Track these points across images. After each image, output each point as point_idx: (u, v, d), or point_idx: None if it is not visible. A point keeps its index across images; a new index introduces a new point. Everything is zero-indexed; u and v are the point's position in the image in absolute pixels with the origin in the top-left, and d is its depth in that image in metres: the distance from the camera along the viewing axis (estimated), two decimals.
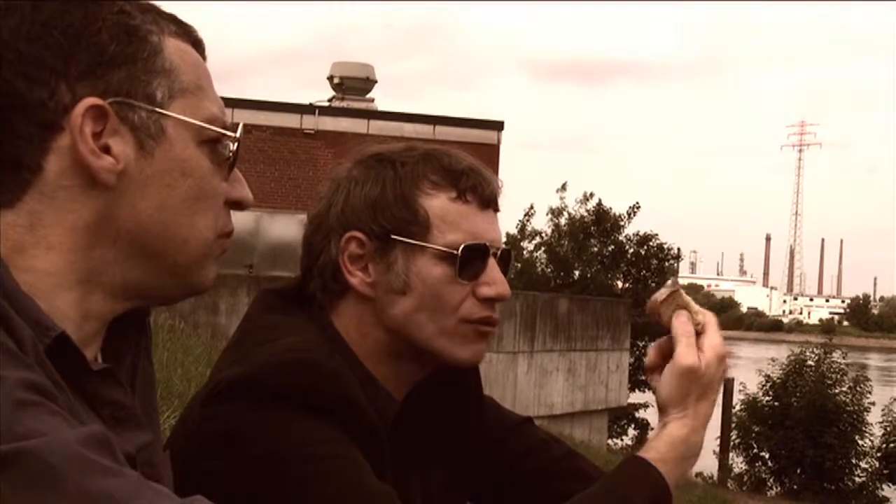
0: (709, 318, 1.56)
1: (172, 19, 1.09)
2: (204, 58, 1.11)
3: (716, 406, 1.56)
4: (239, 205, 1.12)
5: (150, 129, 1.02)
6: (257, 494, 1.32)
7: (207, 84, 1.09)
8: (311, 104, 25.66)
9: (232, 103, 24.22)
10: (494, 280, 1.50)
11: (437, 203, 1.49)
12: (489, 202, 1.52)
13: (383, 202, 1.49)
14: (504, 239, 1.58)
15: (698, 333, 1.54)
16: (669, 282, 1.58)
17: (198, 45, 1.11)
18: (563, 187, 28.67)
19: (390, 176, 1.50)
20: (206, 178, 1.06)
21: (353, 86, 27.04)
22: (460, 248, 1.48)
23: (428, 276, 1.48)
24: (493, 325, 1.53)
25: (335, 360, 1.42)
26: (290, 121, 24.10)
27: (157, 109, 1.02)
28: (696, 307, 1.56)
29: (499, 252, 1.52)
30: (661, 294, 1.56)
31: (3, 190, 0.98)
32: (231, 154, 1.09)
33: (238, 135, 1.09)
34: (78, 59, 0.99)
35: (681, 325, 1.53)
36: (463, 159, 1.54)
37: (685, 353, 1.51)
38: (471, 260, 1.49)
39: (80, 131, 0.97)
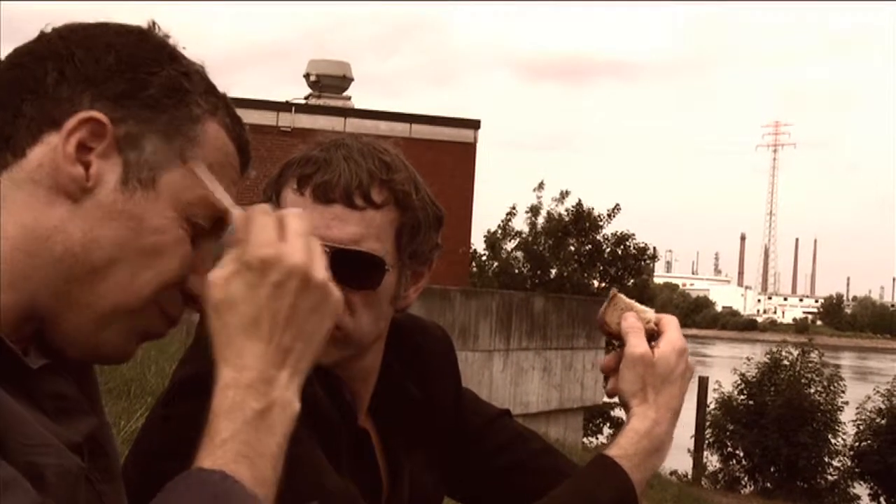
0: (666, 318, 1.56)
1: (232, 115, 1.08)
2: (244, 167, 1.10)
3: (684, 401, 1.54)
4: (192, 301, 1.06)
5: (142, 173, 1.00)
6: None
7: (225, 180, 1.06)
8: (287, 102, 25.58)
9: None
10: None
11: (286, 194, 1.46)
12: (329, 196, 1.42)
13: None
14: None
15: (654, 333, 1.54)
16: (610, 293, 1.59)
17: (242, 150, 1.10)
18: (540, 186, 28.70)
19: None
20: (169, 247, 1.02)
21: (329, 83, 26.97)
22: None
23: None
24: None
25: None
26: (266, 118, 24.00)
27: (158, 160, 1.01)
28: (640, 307, 1.58)
29: (330, 251, 1.38)
30: (602, 307, 1.57)
31: None
32: (208, 241, 1.07)
33: (222, 239, 1.07)
34: (116, 84, 0.99)
35: (627, 324, 1.53)
36: (324, 146, 1.46)
37: (634, 344, 1.51)
38: None
39: (69, 134, 0.97)
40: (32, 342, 1.00)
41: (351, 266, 1.41)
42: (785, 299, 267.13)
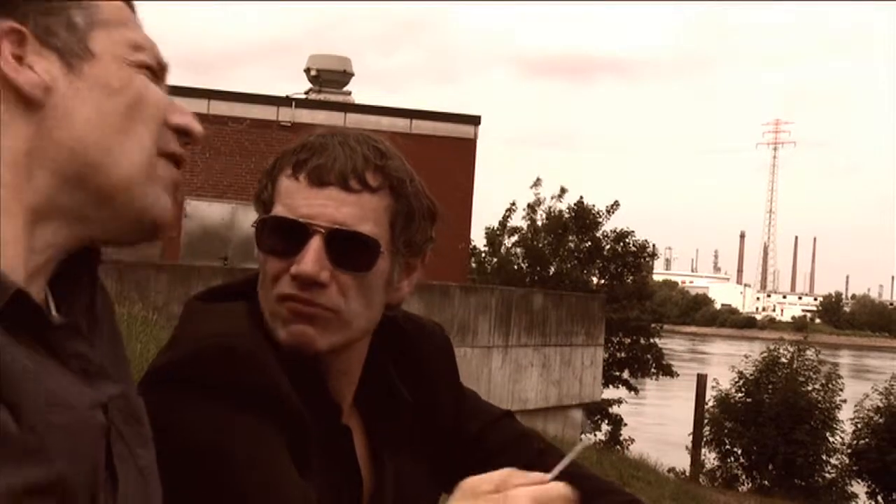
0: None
1: None
2: (132, 8, 1.12)
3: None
4: (186, 133, 1.10)
5: (75, 49, 1.02)
6: (170, 488, 1.25)
7: (134, 24, 1.10)
8: (287, 96, 25.57)
9: (208, 94, 24.00)
10: (301, 258, 1.40)
11: (281, 180, 1.46)
12: (324, 179, 1.42)
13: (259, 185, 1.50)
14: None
15: None
16: None
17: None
18: (537, 182, 28.71)
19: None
20: (141, 91, 1.05)
21: (330, 78, 26.97)
22: (254, 223, 1.46)
23: (260, 254, 1.46)
24: (300, 303, 1.41)
25: (261, 346, 1.39)
26: (266, 113, 24.01)
27: (77, 33, 1.02)
28: None
29: (325, 231, 1.40)
30: None
31: None
32: (159, 70, 1.09)
33: (165, 63, 1.10)
34: None
35: None
36: (319, 134, 1.48)
37: None
38: (276, 235, 1.44)
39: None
40: (42, 276, 1.01)
41: (345, 247, 1.42)
42: (784, 297, 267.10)
